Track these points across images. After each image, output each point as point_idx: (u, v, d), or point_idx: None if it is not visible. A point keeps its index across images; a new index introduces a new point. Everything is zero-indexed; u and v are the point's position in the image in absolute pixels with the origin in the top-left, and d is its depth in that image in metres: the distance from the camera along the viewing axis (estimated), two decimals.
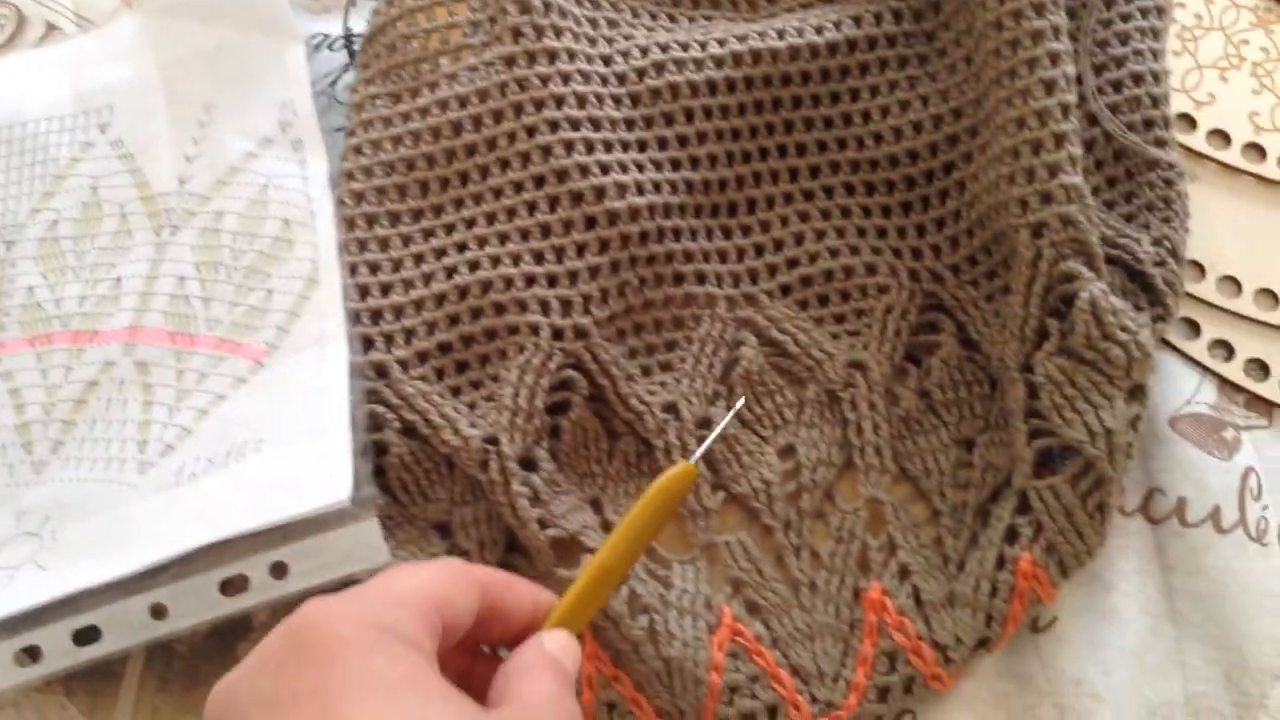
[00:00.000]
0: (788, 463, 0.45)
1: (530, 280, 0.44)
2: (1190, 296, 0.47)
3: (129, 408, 0.44)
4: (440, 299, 0.45)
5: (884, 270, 0.47)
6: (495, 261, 0.45)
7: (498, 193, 0.45)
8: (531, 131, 0.45)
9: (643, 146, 0.46)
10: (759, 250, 0.48)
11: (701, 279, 0.47)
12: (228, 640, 0.43)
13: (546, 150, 0.45)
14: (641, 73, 0.47)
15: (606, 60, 0.47)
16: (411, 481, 0.43)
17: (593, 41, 0.47)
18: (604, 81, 0.46)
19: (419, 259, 0.45)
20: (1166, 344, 0.47)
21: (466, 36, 0.47)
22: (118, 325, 0.46)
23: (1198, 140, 0.49)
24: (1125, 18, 0.47)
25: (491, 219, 0.45)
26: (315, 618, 0.30)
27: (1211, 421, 0.46)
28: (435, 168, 0.46)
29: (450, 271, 0.45)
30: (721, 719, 0.42)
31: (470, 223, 0.45)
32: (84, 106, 0.50)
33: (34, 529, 0.43)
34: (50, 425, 0.45)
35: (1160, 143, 0.46)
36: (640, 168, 0.46)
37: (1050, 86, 0.42)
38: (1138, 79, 0.47)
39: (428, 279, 0.45)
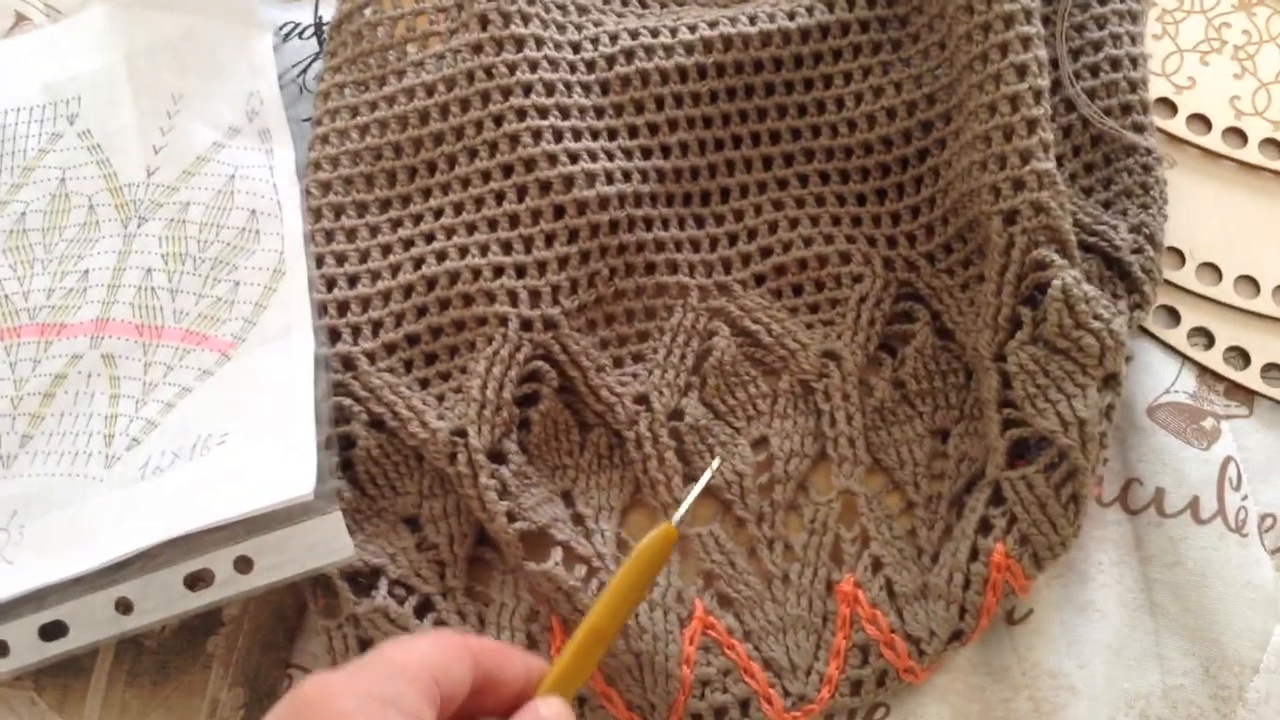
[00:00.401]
0: (761, 454, 0.45)
1: (498, 271, 0.44)
2: (1169, 284, 0.47)
3: (95, 401, 0.44)
4: (408, 290, 0.44)
5: (858, 259, 0.46)
6: (463, 252, 0.44)
7: (465, 183, 0.45)
8: (499, 120, 0.45)
9: (613, 135, 0.46)
10: (732, 239, 0.47)
11: (674, 268, 0.46)
12: (197, 635, 0.43)
13: (514, 139, 0.44)
14: (611, 60, 0.46)
15: (576, 47, 0.46)
16: (380, 474, 0.43)
17: (561, 28, 0.46)
18: (573, 69, 0.46)
19: (386, 250, 0.45)
20: (1145, 332, 0.46)
21: (433, 24, 0.46)
22: (85, 318, 0.45)
23: (1178, 125, 0.49)
24: (1103, 1, 0.47)
25: (459, 209, 0.45)
26: (316, 694, 0.30)
27: (1191, 411, 0.46)
28: (402, 157, 0.45)
29: (418, 263, 0.44)
30: (693, 713, 0.41)
31: (438, 213, 0.45)
32: (52, 97, 0.50)
33: (1, 524, 0.42)
34: (18, 420, 0.44)
35: (1138, 128, 0.46)
36: (610, 156, 0.45)
37: (1022, 71, 0.42)
38: (1115, 63, 0.46)
39: (395, 270, 0.44)
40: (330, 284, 0.44)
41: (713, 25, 0.46)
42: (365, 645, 0.41)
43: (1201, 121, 0.49)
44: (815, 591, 0.43)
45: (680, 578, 0.43)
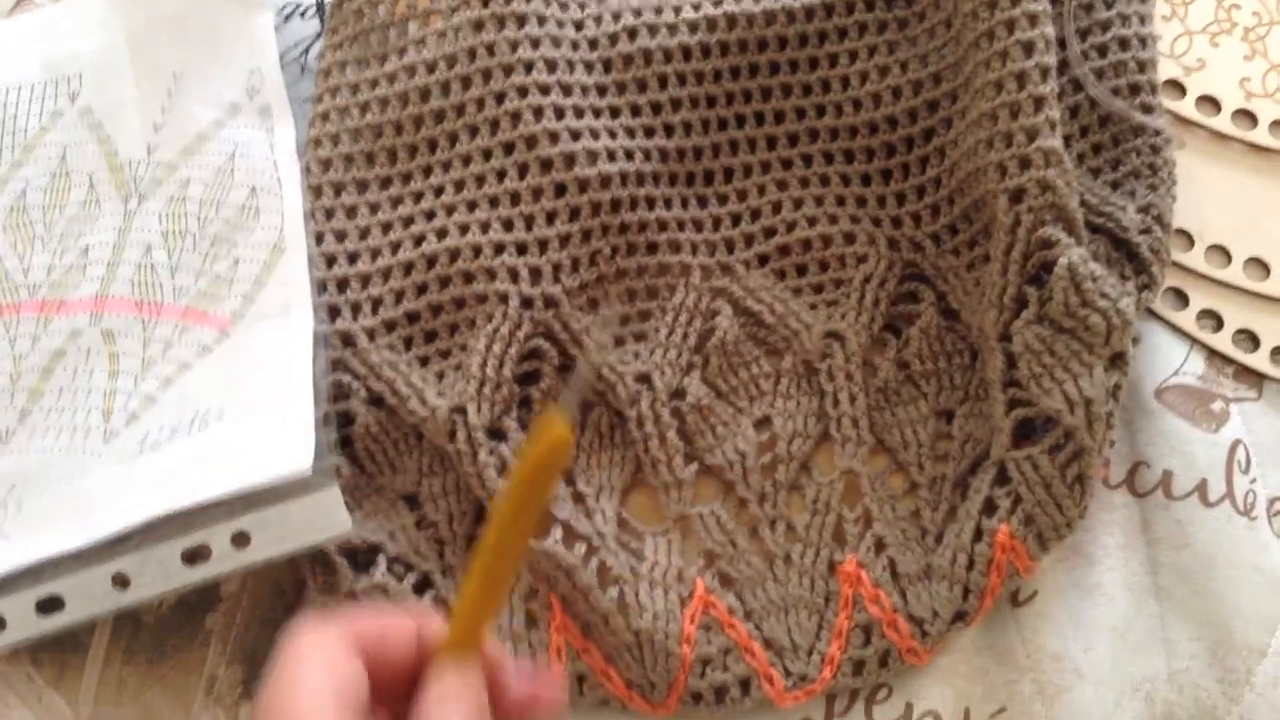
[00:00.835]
0: (763, 434, 0.44)
1: (499, 248, 0.44)
2: (1178, 266, 0.46)
3: (95, 377, 0.44)
4: (408, 268, 0.44)
5: (863, 239, 0.46)
6: (463, 229, 0.44)
7: (466, 160, 0.45)
8: (501, 97, 0.44)
9: (615, 113, 0.45)
10: (735, 219, 0.47)
11: (676, 248, 0.46)
12: (195, 612, 0.43)
13: (516, 116, 0.44)
14: (614, 38, 0.46)
15: (578, 25, 0.46)
16: (379, 452, 0.43)
17: (564, 6, 0.46)
18: (575, 46, 0.45)
19: (386, 227, 0.44)
20: (1153, 314, 0.46)
21: (434, 1, 0.46)
22: (85, 295, 0.45)
23: (1186, 107, 0.48)
24: None
25: (460, 187, 0.45)
26: None
27: (1199, 393, 0.45)
28: (403, 135, 0.45)
29: (418, 240, 0.44)
30: (693, 691, 0.41)
31: (438, 191, 0.45)
32: (54, 75, 0.49)
33: None
34: (17, 395, 0.44)
35: (1147, 108, 0.45)
36: (612, 134, 0.45)
37: (1029, 48, 0.41)
38: (1124, 43, 0.46)
39: (395, 247, 0.44)
40: (330, 261, 0.44)
41: (717, 3, 0.46)
42: None
43: (1211, 103, 0.48)
44: (817, 571, 0.42)
45: (681, 557, 0.43)
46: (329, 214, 0.45)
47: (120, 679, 0.43)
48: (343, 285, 0.44)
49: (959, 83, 0.45)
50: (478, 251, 0.43)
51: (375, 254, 0.44)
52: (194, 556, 0.39)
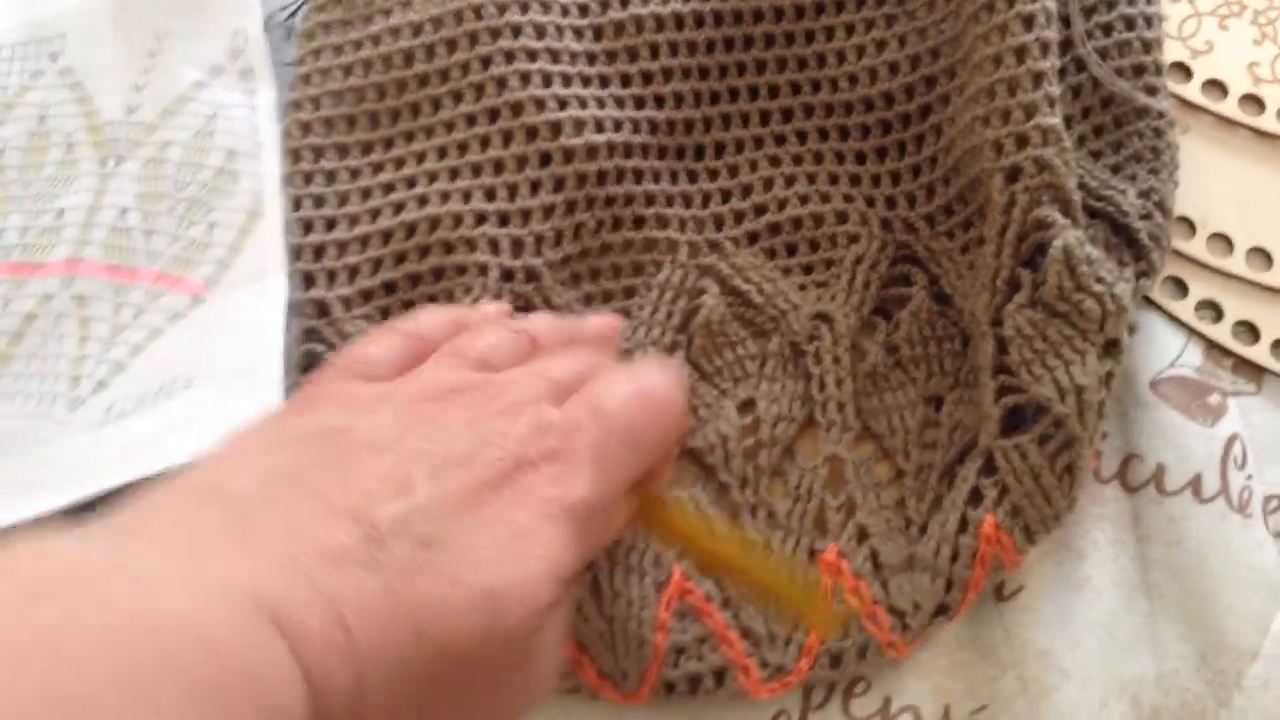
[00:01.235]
0: (747, 417, 0.43)
1: (480, 218, 0.43)
2: (1178, 254, 0.45)
3: (65, 343, 0.43)
4: (386, 236, 0.43)
5: (855, 219, 0.45)
6: (444, 198, 0.43)
7: (450, 126, 0.44)
8: (487, 62, 0.43)
9: (604, 82, 0.44)
10: (725, 195, 0.46)
11: (663, 223, 0.45)
12: None
13: (501, 82, 0.43)
14: (605, 4, 0.45)
15: None
16: None
17: None
18: (565, 12, 0.44)
19: (366, 194, 0.43)
20: (1151, 303, 0.45)
21: None
22: (58, 258, 0.44)
23: (1192, 91, 0.47)
24: None
25: (442, 153, 0.44)
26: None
27: (1196, 385, 0.44)
28: (385, 99, 0.44)
29: (398, 208, 0.43)
30: (667, 682, 0.40)
31: (420, 157, 0.44)
32: (35, 35, 0.49)
33: None
34: None
35: (1151, 90, 0.44)
36: (601, 104, 0.44)
37: (1029, 21, 0.40)
38: (1129, 23, 0.44)
39: (374, 215, 0.43)
40: (307, 227, 0.43)
41: None
42: None
43: (1218, 88, 0.47)
44: (797, 560, 0.41)
45: (659, 541, 0.42)
46: (307, 178, 0.44)
47: None
48: (319, 252, 0.43)
49: (957, 58, 0.43)
50: (458, 221, 0.42)
51: (353, 221, 0.43)
52: None
